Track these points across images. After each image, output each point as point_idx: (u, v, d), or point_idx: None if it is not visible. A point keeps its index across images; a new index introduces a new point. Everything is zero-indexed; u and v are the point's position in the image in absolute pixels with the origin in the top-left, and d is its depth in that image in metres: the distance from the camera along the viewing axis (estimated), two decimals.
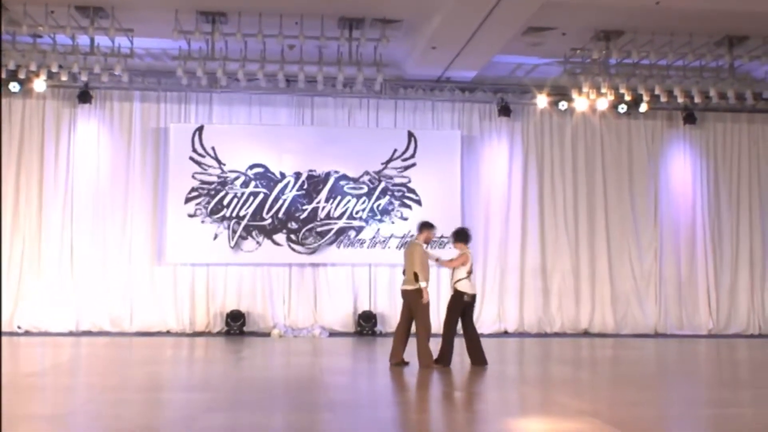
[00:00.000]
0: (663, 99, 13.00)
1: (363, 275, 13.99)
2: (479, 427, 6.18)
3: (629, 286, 14.55)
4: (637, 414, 6.65)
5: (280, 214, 13.79)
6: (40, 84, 12.70)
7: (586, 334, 14.28)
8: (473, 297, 9.47)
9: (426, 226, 9.67)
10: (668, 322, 14.57)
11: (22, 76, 12.38)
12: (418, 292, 9.24)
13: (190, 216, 13.60)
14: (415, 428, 6.27)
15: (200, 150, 13.68)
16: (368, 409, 6.99)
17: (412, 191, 14.04)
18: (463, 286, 9.37)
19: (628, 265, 14.57)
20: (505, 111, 14.25)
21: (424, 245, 9.52)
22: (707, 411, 7.06)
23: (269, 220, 13.77)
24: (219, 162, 13.73)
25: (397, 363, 9.36)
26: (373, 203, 13.95)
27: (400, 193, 14.02)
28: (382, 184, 13.98)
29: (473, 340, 9.51)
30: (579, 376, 9.50)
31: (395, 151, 14.04)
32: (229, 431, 5.84)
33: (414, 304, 9.32)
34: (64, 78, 12.32)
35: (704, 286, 14.68)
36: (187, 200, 13.60)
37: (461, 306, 9.42)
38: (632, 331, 14.38)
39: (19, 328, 13.14)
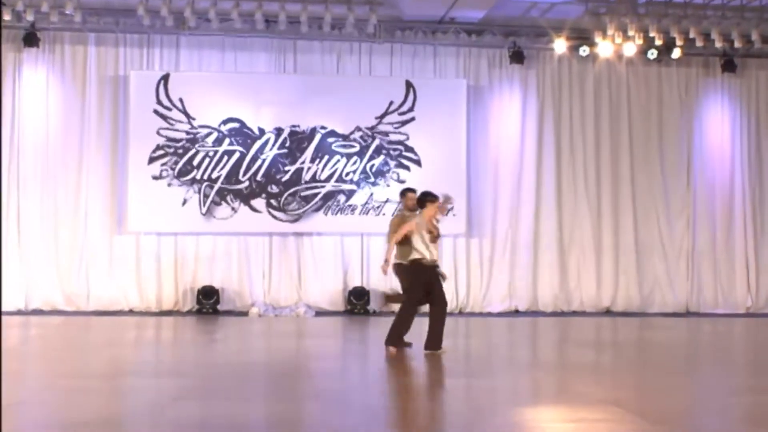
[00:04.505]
0: (698, 43, 12.97)
1: (354, 246, 14.04)
2: (485, 418, 6.24)
3: (657, 259, 14.63)
4: (664, 403, 6.73)
5: (259, 176, 13.78)
6: None
7: (608, 312, 14.40)
8: None
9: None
10: (701, 299, 14.70)
11: None
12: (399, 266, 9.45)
13: (155, 178, 13.58)
14: (412, 420, 6.34)
15: (166, 102, 13.62)
16: (359, 397, 7.06)
17: (411, 150, 14.03)
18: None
19: (656, 234, 14.64)
20: (517, 57, 14.19)
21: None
22: (742, 398, 7.15)
23: (246, 183, 13.76)
24: (188, 116, 13.68)
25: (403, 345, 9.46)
26: (366, 164, 13.94)
27: (396, 152, 14.01)
28: (376, 142, 13.96)
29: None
30: (599, 361, 9.60)
31: (391, 103, 14.00)
32: (201, 422, 5.90)
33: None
34: (6, 17, 12.21)
35: (742, 258, 14.78)
36: (151, 160, 13.57)
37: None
38: (660, 309, 14.50)
39: None
